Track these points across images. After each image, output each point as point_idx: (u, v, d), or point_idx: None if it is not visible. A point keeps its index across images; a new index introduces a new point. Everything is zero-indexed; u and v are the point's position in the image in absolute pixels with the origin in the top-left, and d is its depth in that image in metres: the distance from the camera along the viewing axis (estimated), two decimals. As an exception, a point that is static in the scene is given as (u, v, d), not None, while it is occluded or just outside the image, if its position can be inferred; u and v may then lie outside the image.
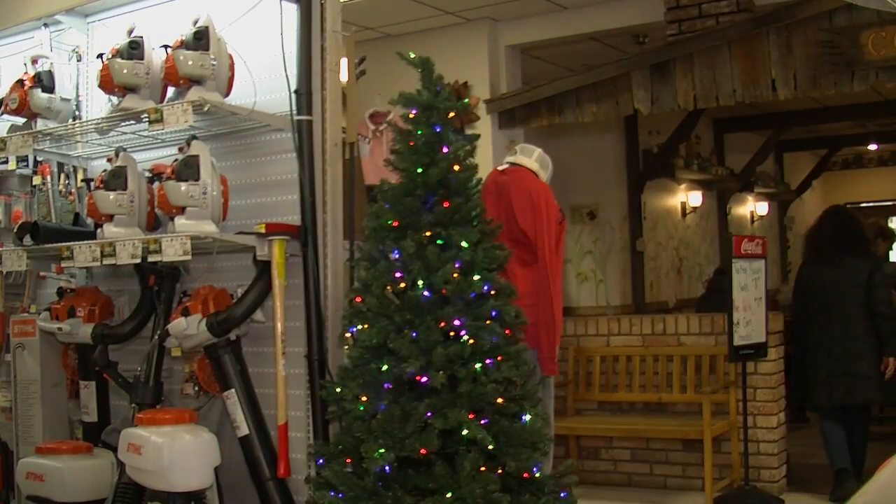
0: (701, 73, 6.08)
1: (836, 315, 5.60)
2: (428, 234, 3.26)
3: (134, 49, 3.81)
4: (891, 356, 5.51)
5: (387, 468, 3.07)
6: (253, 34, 3.90)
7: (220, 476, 3.61)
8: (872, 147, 13.17)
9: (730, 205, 10.94)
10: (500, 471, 3.13)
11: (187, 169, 3.61)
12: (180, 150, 3.73)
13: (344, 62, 3.90)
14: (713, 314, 6.08)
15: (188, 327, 3.63)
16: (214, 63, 3.68)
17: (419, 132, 3.32)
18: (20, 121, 4.36)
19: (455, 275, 3.19)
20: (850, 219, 5.83)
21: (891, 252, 7.67)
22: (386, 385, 3.18)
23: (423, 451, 3.05)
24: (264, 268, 3.70)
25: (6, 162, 4.52)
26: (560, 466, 3.47)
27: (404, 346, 3.13)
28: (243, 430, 3.69)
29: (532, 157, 4.64)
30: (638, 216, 8.64)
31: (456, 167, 3.31)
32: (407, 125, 3.36)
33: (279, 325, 3.64)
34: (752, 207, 12.02)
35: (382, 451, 3.05)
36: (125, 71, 3.78)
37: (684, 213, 10.05)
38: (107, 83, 3.83)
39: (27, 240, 4.06)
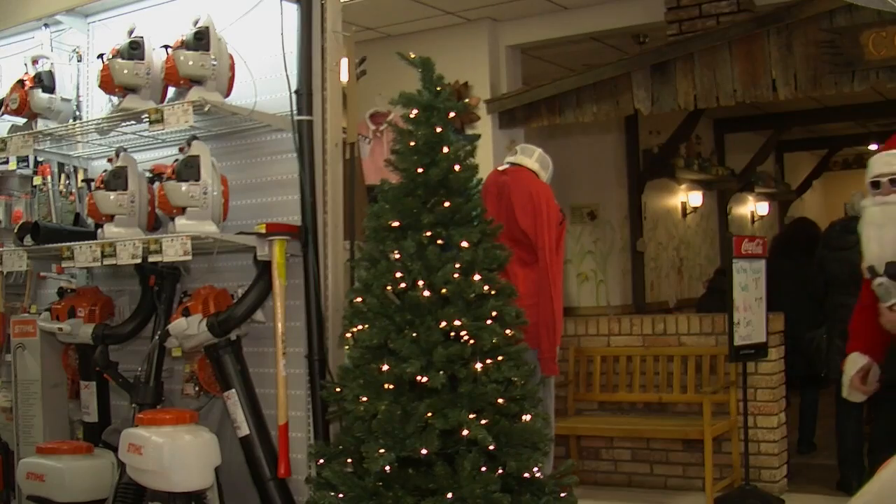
0: (701, 73, 6.08)
1: (787, 301, 6.29)
2: (428, 234, 3.26)
3: (134, 49, 3.81)
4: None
5: (387, 468, 3.07)
6: (253, 34, 3.90)
7: (220, 476, 3.61)
8: (873, 147, 13.12)
9: (730, 205, 10.94)
10: (500, 471, 3.13)
11: (188, 169, 3.61)
12: (181, 150, 3.73)
13: (344, 62, 3.90)
14: (713, 314, 6.08)
15: (189, 327, 3.63)
16: (215, 63, 3.67)
17: (419, 132, 3.32)
18: (21, 121, 4.36)
19: (455, 275, 3.19)
20: (809, 226, 7.01)
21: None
22: (386, 385, 3.18)
23: (423, 451, 3.05)
24: (265, 268, 3.70)
25: (7, 162, 4.52)
26: (560, 466, 3.47)
27: (405, 347, 3.13)
28: (244, 430, 3.69)
29: (532, 158, 4.64)
30: (638, 216, 8.64)
31: (456, 167, 3.31)
32: (407, 125, 3.36)
33: (280, 326, 3.64)
34: (753, 207, 12.02)
35: (383, 451, 3.05)
36: (126, 71, 3.77)
37: (685, 214, 10.05)
38: (107, 83, 3.83)
39: (28, 240, 4.06)
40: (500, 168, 4.69)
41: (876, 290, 3.33)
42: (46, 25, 4.56)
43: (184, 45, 3.67)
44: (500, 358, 3.21)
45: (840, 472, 5.77)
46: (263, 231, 3.62)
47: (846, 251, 5.61)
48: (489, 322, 3.22)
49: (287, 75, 3.76)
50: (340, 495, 3.16)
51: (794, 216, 12.86)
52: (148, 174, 3.85)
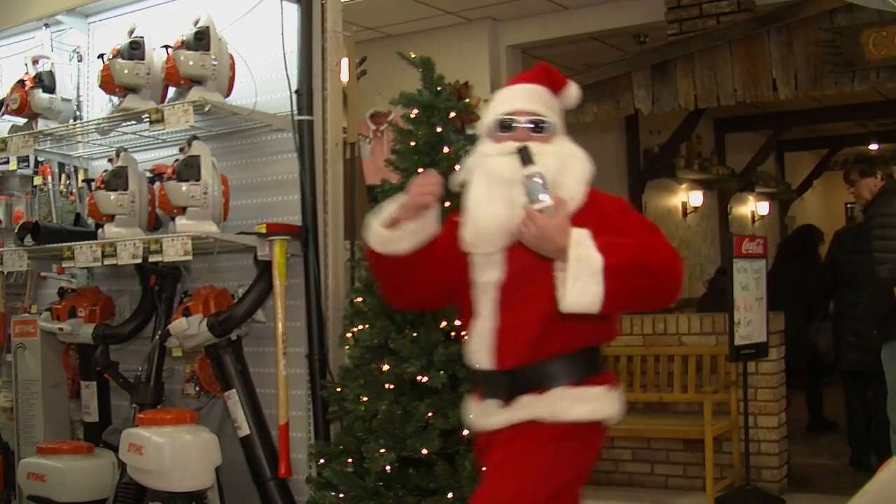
0: (702, 72, 6.07)
1: (784, 297, 6.52)
2: (429, 234, 3.25)
3: (135, 49, 3.81)
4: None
5: (388, 468, 3.07)
6: (254, 34, 3.90)
7: (221, 476, 3.61)
8: (873, 147, 13.14)
9: (731, 204, 10.93)
10: (500, 471, 3.13)
11: (188, 169, 3.61)
12: (181, 150, 3.73)
13: (345, 62, 3.90)
14: (714, 314, 6.07)
15: (189, 327, 3.63)
16: (215, 63, 3.68)
17: (420, 132, 3.32)
18: (21, 121, 4.37)
19: (456, 275, 3.18)
20: (804, 233, 7.52)
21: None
22: (387, 385, 3.18)
23: (423, 451, 3.05)
24: (265, 268, 3.70)
25: (7, 162, 4.53)
26: (561, 466, 3.46)
27: (405, 346, 3.13)
28: (244, 430, 3.69)
29: (533, 157, 4.62)
30: (639, 216, 8.62)
31: (457, 167, 3.30)
32: (408, 125, 3.36)
33: (280, 325, 3.64)
34: (753, 207, 12.01)
35: (383, 450, 3.06)
36: (126, 71, 3.78)
37: (685, 213, 10.04)
38: (108, 83, 3.83)
39: (28, 240, 4.06)
40: (500, 168, 4.67)
41: (526, 183, 2.39)
42: (47, 25, 4.57)
43: (184, 45, 3.68)
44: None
45: (851, 449, 6.22)
46: (264, 231, 3.62)
47: (859, 255, 5.70)
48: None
49: (287, 75, 3.76)
50: (341, 495, 3.17)
51: (795, 216, 12.97)
52: (148, 174, 3.85)
